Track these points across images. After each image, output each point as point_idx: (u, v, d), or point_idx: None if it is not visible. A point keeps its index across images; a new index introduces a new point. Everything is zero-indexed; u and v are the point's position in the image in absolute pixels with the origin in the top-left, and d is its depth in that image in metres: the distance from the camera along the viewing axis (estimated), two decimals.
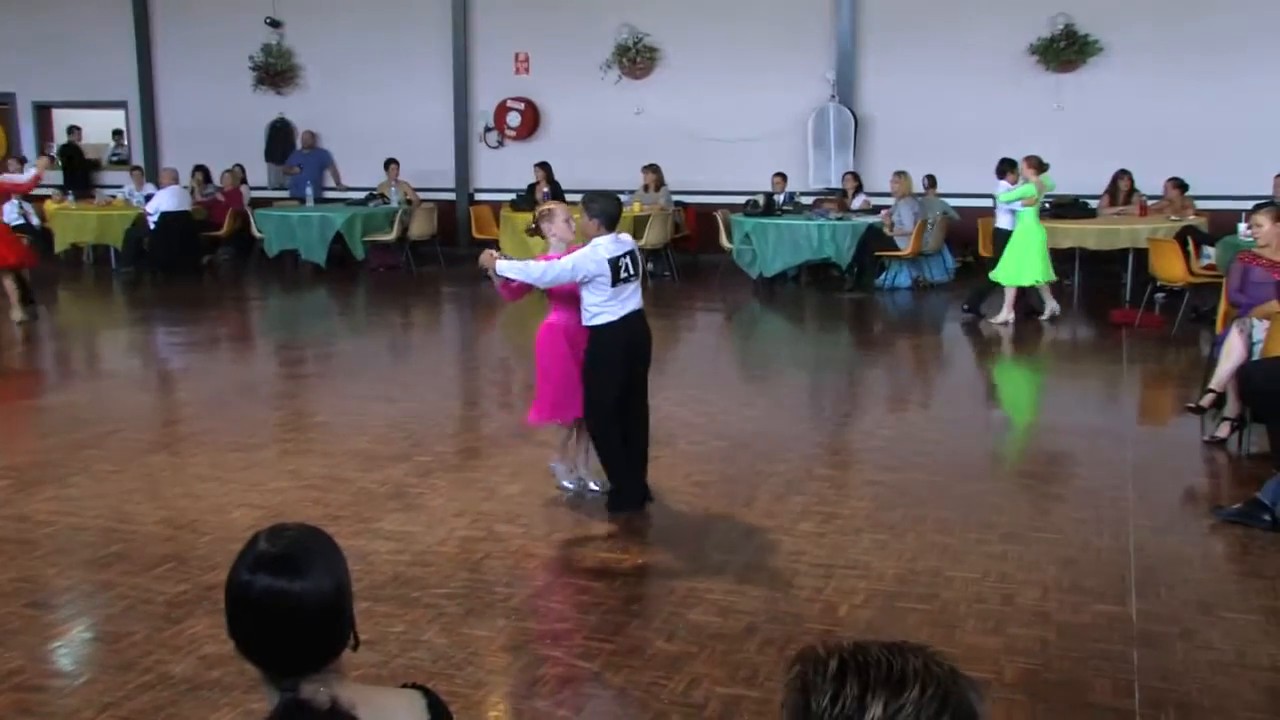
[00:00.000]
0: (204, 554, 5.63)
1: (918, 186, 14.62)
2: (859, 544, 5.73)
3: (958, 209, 14.87)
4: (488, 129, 18.07)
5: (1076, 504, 6.35)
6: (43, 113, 20.50)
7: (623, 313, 6.02)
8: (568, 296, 6.14)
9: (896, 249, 13.95)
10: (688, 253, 16.46)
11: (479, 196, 18.05)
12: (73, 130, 20.09)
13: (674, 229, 15.69)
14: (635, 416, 6.25)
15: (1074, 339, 11.93)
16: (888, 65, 16.07)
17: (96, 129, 21.03)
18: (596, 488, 6.50)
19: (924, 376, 10.52)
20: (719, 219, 15.05)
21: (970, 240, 14.44)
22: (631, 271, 6.00)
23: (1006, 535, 5.84)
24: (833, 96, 16.21)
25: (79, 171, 19.76)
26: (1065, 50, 15.28)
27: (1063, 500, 6.44)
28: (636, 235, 14.87)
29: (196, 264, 16.31)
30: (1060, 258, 13.44)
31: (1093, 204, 14.23)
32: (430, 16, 17.92)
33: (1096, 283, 13.96)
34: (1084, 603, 5.01)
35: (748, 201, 15.21)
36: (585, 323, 6.07)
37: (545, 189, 16.13)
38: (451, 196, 18.14)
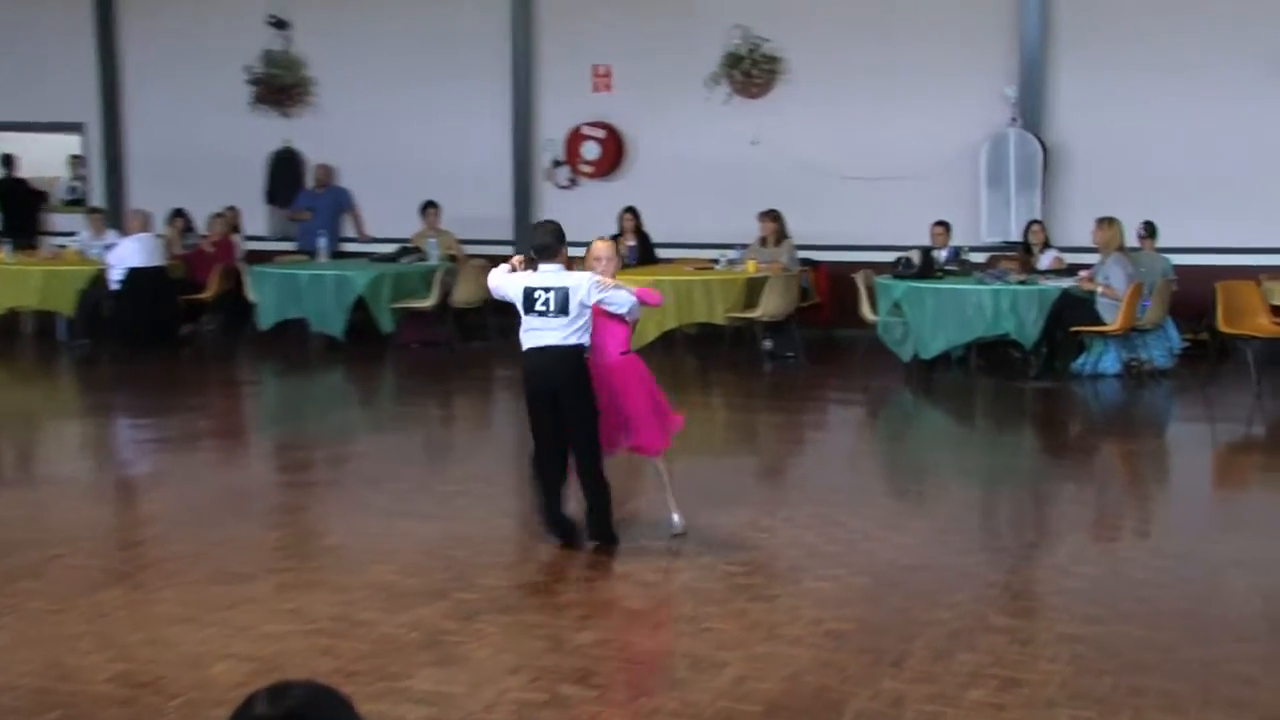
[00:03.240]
0: None
1: (1130, 239, 14.46)
2: None
3: (1182, 268, 14.73)
4: (557, 163, 18.33)
5: None
6: None
7: (527, 345, 8.10)
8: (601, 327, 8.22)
9: (1101, 323, 13.78)
10: (818, 327, 16.42)
11: None
12: (9, 160, 20.52)
13: (800, 295, 15.69)
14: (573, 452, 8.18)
15: None
16: (1088, 78, 16.02)
17: (42, 158, 21.48)
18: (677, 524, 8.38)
19: (1141, 495, 10.34)
20: (860, 282, 15.02)
21: (1204, 311, 14.24)
22: (550, 307, 7.95)
23: (1267, 719, 5.68)
24: (1014, 120, 16.19)
25: (20, 214, 20.15)
26: None
27: None
28: (750, 302, 14.91)
29: (173, 336, 16.65)
30: None
31: None
32: (484, 18, 18.29)
33: None
34: None
35: (899, 260, 15.15)
36: None
37: (631, 241, 16.23)
38: (509, 251, 18.20)
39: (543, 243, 8.19)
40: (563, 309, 7.92)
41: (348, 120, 18.94)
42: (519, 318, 8.07)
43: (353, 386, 14.94)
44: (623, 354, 8.25)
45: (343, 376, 15.36)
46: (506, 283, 8.23)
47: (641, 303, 8.19)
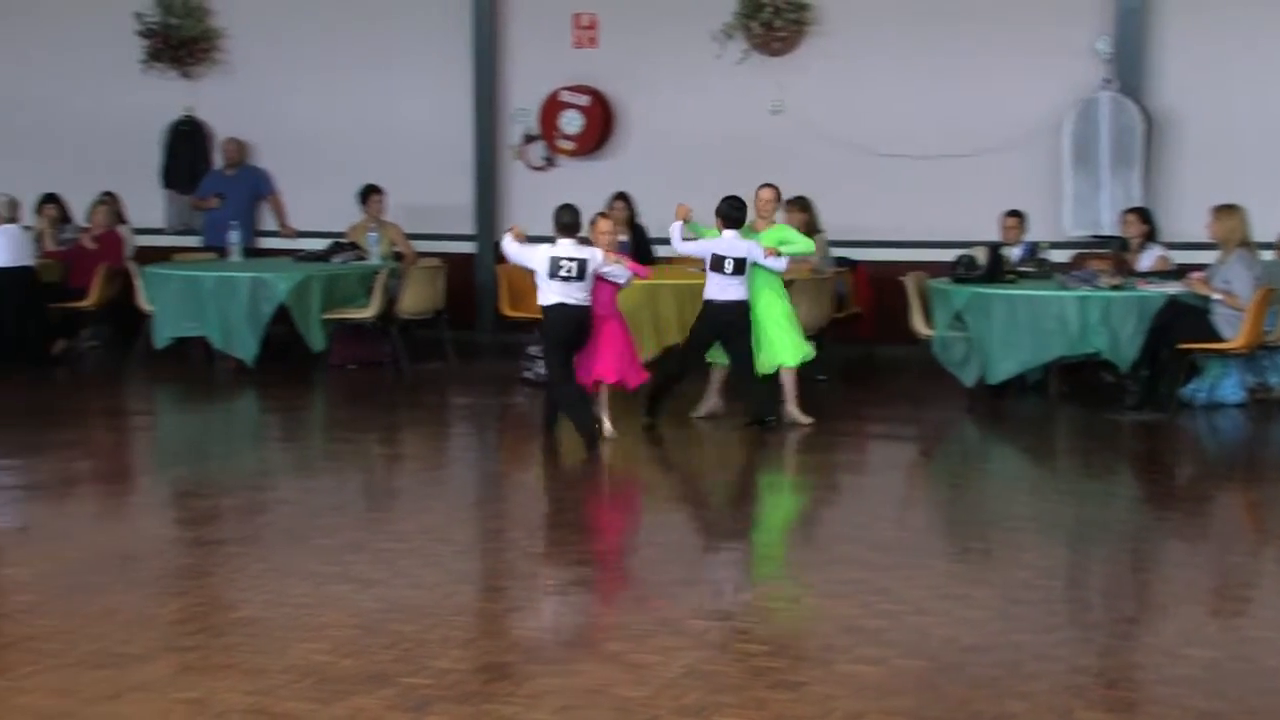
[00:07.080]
0: None
1: (1262, 234, 14.32)
2: None
3: None
4: (529, 139, 18.35)
5: None
6: None
7: (550, 301, 12.38)
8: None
9: (1218, 339, 13.74)
10: (858, 341, 16.43)
11: None
12: None
13: (835, 303, 15.73)
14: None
15: None
16: (1204, 28, 16.05)
17: None
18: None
19: (1271, 557, 10.29)
20: (910, 287, 15.00)
21: None
22: (573, 274, 12.23)
23: None
24: (1107, 81, 16.19)
25: None
26: None
27: None
28: None
29: (42, 354, 16.59)
30: None
31: None
32: None
33: None
34: None
35: (960, 259, 15.13)
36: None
37: (622, 235, 16.18)
38: (469, 248, 18.44)
39: (570, 221, 12.43)
40: (581, 275, 12.19)
41: (265, 84, 18.92)
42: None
43: (272, 418, 14.91)
44: (612, 309, 12.63)
45: (259, 406, 15.32)
46: (528, 252, 12.51)
47: (634, 275, 12.67)
